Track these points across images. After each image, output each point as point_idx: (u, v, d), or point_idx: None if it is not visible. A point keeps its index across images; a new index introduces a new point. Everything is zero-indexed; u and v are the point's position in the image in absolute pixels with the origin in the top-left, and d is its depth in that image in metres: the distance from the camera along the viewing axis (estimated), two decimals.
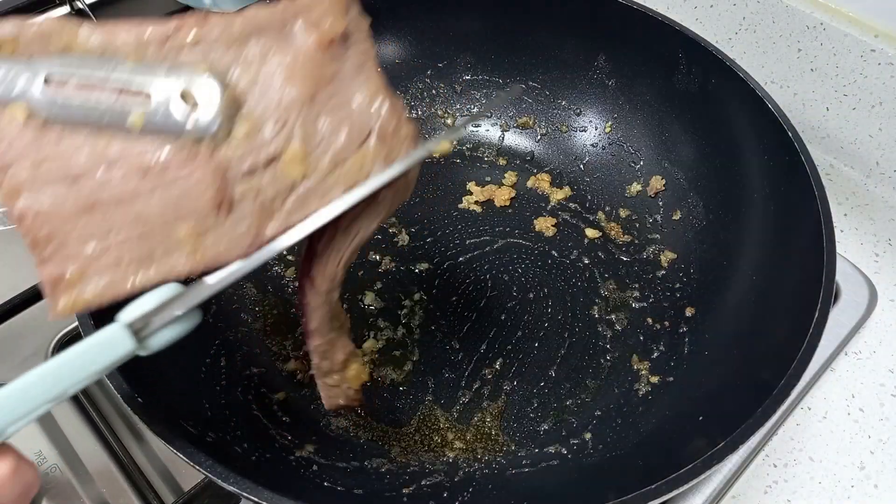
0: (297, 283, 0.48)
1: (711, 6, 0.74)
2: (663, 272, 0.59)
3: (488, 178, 0.66)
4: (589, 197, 0.65)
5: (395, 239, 0.61)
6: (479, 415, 0.51)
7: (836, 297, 0.58)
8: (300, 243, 0.33)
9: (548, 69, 0.67)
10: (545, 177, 0.66)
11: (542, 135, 0.68)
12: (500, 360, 0.54)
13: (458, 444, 0.49)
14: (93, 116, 0.30)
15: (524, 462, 0.48)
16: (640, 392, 0.51)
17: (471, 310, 0.57)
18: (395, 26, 0.66)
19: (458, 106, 0.69)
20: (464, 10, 0.66)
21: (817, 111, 0.71)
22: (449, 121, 0.69)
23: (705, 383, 0.48)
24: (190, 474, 0.50)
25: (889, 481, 0.49)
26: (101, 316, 0.33)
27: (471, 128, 0.69)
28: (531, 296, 0.58)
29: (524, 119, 0.68)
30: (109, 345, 0.29)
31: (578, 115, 0.67)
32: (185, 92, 0.30)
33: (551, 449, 0.48)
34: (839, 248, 0.46)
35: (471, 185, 0.65)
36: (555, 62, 0.66)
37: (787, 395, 0.38)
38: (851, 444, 0.51)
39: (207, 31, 0.31)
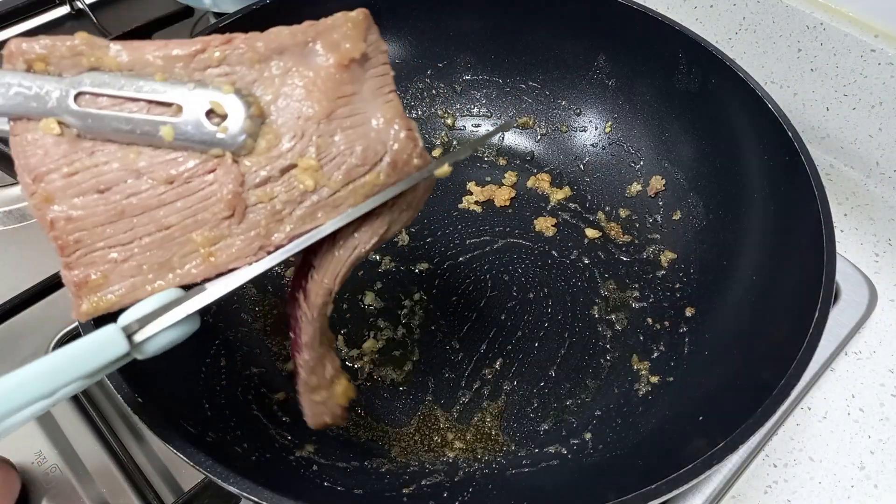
0: None
1: (711, 6, 0.74)
2: (663, 272, 0.59)
3: (488, 178, 0.66)
4: (589, 197, 0.65)
5: (395, 239, 0.61)
6: (479, 415, 0.51)
7: (836, 297, 0.58)
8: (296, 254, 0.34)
9: (548, 69, 0.67)
10: (545, 177, 0.66)
11: (542, 135, 0.68)
12: (500, 360, 0.54)
13: (458, 444, 0.49)
14: (124, 129, 0.31)
15: (524, 462, 0.48)
16: (640, 392, 0.51)
17: (471, 310, 0.57)
18: (395, 26, 0.66)
19: (458, 106, 0.69)
20: (464, 10, 0.66)
21: (817, 111, 0.71)
22: (449, 121, 0.69)
23: (705, 383, 0.48)
24: (190, 474, 0.50)
25: (889, 481, 0.49)
26: (102, 316, 0.33)
27: (471, 128, 0.69)
28: (531, 296, 0.58)
29: (524, 119, 0.68)
30: (102, 346, 0.30)
31: (578, 115, 0.67)
32: (212, 107, 0.31)
33: (551, 449, 0.48)
34: (839, 248, 0.46)
35: (471, 185, 0.65)
36: (555, 62, 0.66)
37: (787, 395, 0.38)
38: (851, 444, 0.51)
39: (232, 50, 0.32)
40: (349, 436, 0.49)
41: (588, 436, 0.49)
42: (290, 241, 0.33)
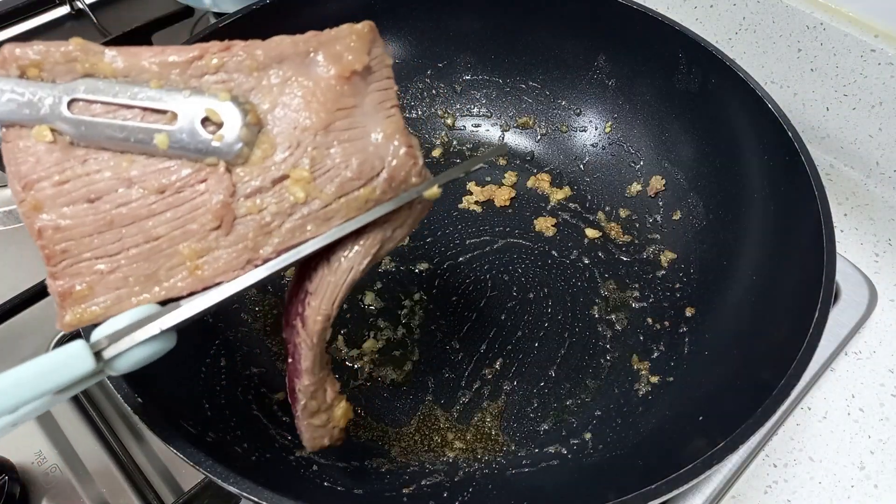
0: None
1: (711, 6, 0.74)
2: (663, 272, 0.59)
3: (488, 178, 0.66)
4: (589, 197, 0.65)
5: None
6: (479, 415, 0.51)
7: (836, 297, 0.58)
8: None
9: (548, 69, 0.67)
10: (545, 177, 0.66)
11: (542, 135, 0.68)
12: (500, 360, 0.54)
13: (458, 444, 0.49)
14: (118, 137, 0.31)
15: (524, 462, 0.48)
16: (640, 392, 0.51)
17: (471, 310, 0.57)
18: (395, 26, 0.66)
19: (458, 106, 0.69)
20: (464, 10, 0.66)
21: (817, 111, 0.71)
22: (449, 121, 0.69)
23: (705, 383, 0.48)
24: (190, 474, 0.50)
25: (889, 481, 0.49)
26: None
27: (471, 128, 0.69)
28: (531, 296, 0.58)
29: (524, 119, 0.68)
30: (68, 362, 0.29)
31: (578, 115, 0.67)
32: (208, 114, 0.31)
33: (551, 449, 0.48)
34: (839, 248, 0.46)
35: (471, 185, 0.65)
36: (555, 62, 0.66)
37: (787, 395, 0.38)
38: (851, 444, 0.51)
39: (230, 57, 0.31)
40: (349, 436, 0.49)
41: (588, 436, 0.49)
42: (279, 254, 0.32)
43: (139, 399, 0.37)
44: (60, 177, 0.31)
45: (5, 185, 0.66)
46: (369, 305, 0.57)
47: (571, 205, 0.64)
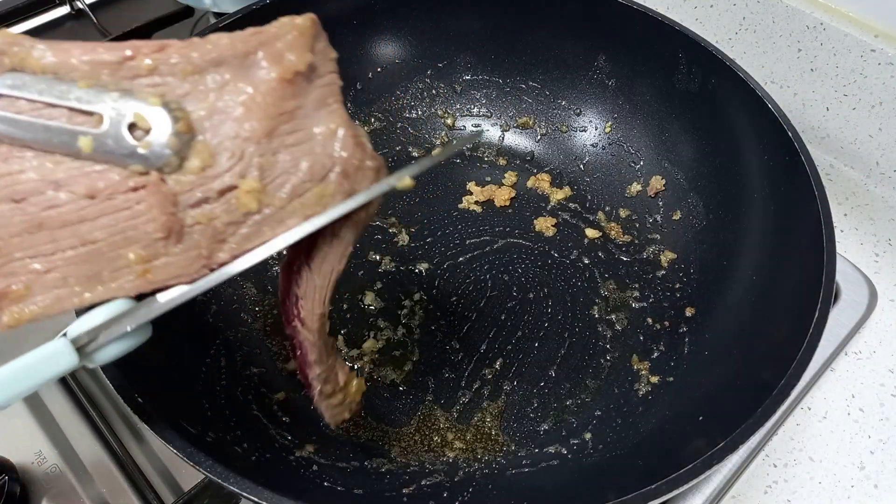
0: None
1: (711, 6, 0.74)
2: (663, 272, 0.59)
3: (488, 178, 0.66)
4: (589, 197, 0.65)
5: (395, 239, 0.61)
6: (479, 415, 0.51)
7: (836, 297, 0.58)
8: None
9: (548, 69, 0.67)
10: (545, 177, 0.66)
11: (542, 135, 0.68)
12: (500, 360, 0.54)
13: (458, 444, 0.49)
14: (42, 136, 0.29)
15: (524, 462, 0.48)
16: (640, 392, 0.51)
17: (471, 310, 0.57)
18: (395, 26, 0.66)
19: (458, 106, 0.69)
20: (464, 10, 0.66)
21: (817, 111, 0.71)
22: (449, 121, 0.69)
23: (705, 383, 0.48)
24: (190, 474, 0.50)
25: (889, 481, 0.49)
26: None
27: (471, 128, 0.69)
28: (531, 296, 0.58)
29: (524, 119, 0.68)
30: (52, 359, 0.29)
31: (578, 115, 0.67)
32: (136, 120, 0.29)
33: (551, 449, 0.48)
34: (839, 248, 0.46)
35: (471, 185, 0.65)
36: (555, 62, 0.66)
37: (787, 395, 0.38)
38: (851, 444, 0.51)
39: (164, 59, 0.30)
40: (349, 436, 0.49)
41: (588, 436, 0.49)
42: (235, 258, 0.31)
43: (139, 399, 0.37)
44: None
45: None
46: (369, 305, 0.57)
47: (571, 205, 0.64)
